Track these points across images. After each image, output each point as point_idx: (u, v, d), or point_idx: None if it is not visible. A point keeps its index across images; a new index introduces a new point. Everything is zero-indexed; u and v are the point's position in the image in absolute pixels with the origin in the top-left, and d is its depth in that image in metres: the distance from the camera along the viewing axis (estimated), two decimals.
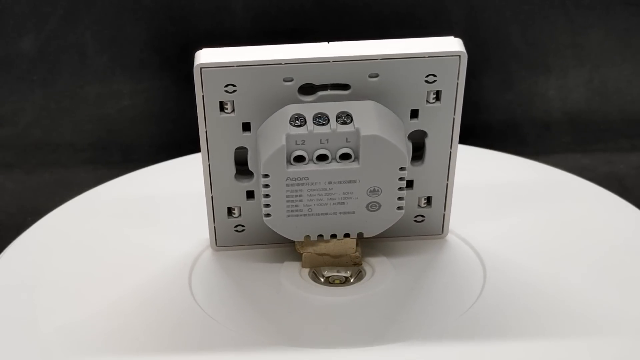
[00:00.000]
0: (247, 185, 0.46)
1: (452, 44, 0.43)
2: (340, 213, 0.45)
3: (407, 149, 0.45)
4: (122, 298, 0.45)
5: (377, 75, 0.43)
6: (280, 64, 0.43)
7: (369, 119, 0.43)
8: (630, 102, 0.74)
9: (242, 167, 0.46)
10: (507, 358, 0.42)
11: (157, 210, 0.52)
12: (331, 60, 0.43)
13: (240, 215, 0.47)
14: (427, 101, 0.44)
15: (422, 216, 0.48)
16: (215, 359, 0.42)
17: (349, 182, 0.44)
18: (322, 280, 0.47)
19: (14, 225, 0.59)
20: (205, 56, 0.43)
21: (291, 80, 0.43)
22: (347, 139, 0.43)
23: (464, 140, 0.47)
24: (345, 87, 0.44)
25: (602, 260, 0.47)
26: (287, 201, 0.44)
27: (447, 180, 0.47)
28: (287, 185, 0.43)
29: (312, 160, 0.43)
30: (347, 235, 0.46)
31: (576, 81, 0.74)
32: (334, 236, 0.46)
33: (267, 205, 0.44)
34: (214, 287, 0.46)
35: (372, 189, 0.44)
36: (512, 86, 0.74)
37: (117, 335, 0.43)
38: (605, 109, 0.74)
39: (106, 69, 0.73)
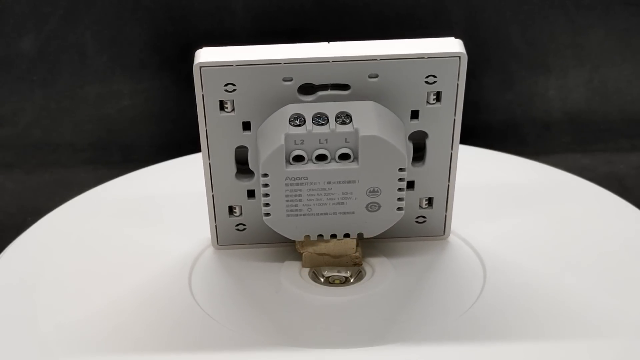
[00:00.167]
0: (248, 184, 0.46)
1: (452, 45, 0.43)
2: (339, 213, 0.45)
3: (407, 149, 0.45)
4: (122, 297, 0.45)
5: (376, 76, 0.43)
6: (280, 63, 0.43)
7: (368, 120, 0.43)
8: (630, 102, 0.74)
9: (242, 166, 0.46)
10: (505, 359, 0.42)
11: (158, 209, 0.52)
12: (331, 60, 0.43)
13: (241, 214, 0.47)
14: (428, 102, 0.44)
15: (424, 217, 0.48)
16: (213, 358, 0.42)
17: (348, 182, 0.44)
18: (322, 280, 0.47)
19: (14, 225, 0.59)
20: (205, 55, 0.43)
21: (291, 80, 0.43)
22: (346, 139, 0.43)
23: (464, 140, 0.47)
24: (345, 87, 0.44)
25: (602, 260, 0.47)
26: (287, 201, 0.44)
27: (449, 181, 0.47)
28: (286, 184, 0.43)
29: (311, 160, 0.43)
30: (347, 235, 0.46)
31: (576, 81, 0.74)
32: (333, 236, 0.46)
33: (267, 205, 0.44)
34: (213, 286, 0.46)
35: (371, 189, 0.44)
36: (512, 86, 0.74)
37: (116, 334, 0.43)
38: (605, 109, 0.74)
39: (106, 69, 0.73)
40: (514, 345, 0.42)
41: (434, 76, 0.43)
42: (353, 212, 0.45)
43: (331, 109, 0.43)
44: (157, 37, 0.72)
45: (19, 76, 0.73)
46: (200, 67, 0.43)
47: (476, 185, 0.53)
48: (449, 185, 0.47)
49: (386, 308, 0.45)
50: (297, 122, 0.43)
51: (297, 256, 0.47)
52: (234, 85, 0.43)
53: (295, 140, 0.43)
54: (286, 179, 0.43)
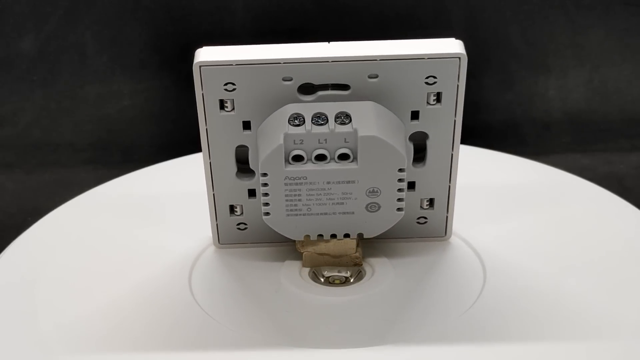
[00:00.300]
0: (249, 183, 0.46)
1: (452, 46, 0.43)
2: (339, 213, 0.45)
3: (406, 150, 0.44)
4: (122, 296, 0.45)
5: (376, 76, 0.43)
6: (279, 63, 0.43)
7: (368, 120, 0.43)
8: (630, 102, 0.74)
9: (243, 166, 0.46)
10: (504, 359, 0.42)
11: (158, 208, 0.52)
12: (330, 60, 0.43)
13: (242, 213, 0.47)
14: (428, 103, 0.44)
15: (425, 218, 0.48)
16: (212, 358, 0.42)
17: (348, 182, 0.44)
18: (322, 280, 0.47)
19: (14, 225, 0.59)
20: (205, 54, 0.43)
21: (290, 79, 0.43)
22: (345, 139, 0.43)
23: (464, 140, 0.47)
24: (345, 87, 0.44)
25: (603, 261, 0.47)
26: (286, 200, 0.44)
27: (450, 182, 0.47)
28: (286, 184, 0.43)
29: (310, 160, 0.43)
30: (347, 235, 0.46)
31: (576, 81, 0.74)
32: (333, 236, 0.46)
33: (267, 204, 0.44)
34: (213, 285, 0.46)
35: (371, 189, 0.44)
36: (512, 86, 0.74)
37: (115, 333, 0.43)
38: (605, 109, 0.74)
39: (106, 69, 0.73)
40: (513, 346, 0.42)
41: (434, 77, 0.43)
42: (353, 212, 0.45)
43: (331, 109, 0.43)
44: (157, 37, 0.72)
45: (19, 76, 0.73)
46: (200, 66, 0.43)
47: (476, 186, 0.53)
48: (450, 186, 0.47)
49: (386, 308, 0.45)
50: (297, 121, 0.43)
51: (298, 256, 0.47)
52: (233, 84, 0.43)
53: (294, 140, 0.43)
54: (285, 178, 0.43)
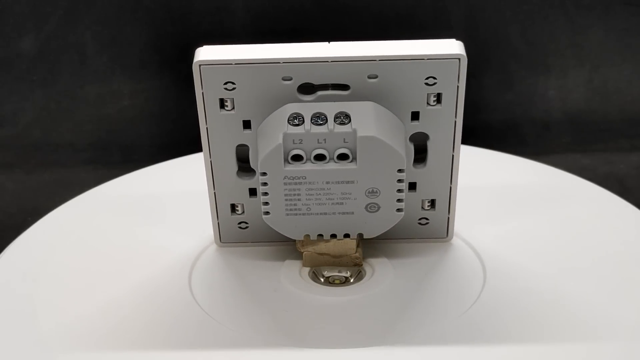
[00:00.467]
0: (250, 182, 0.46)
1: (452, 47, 0.43)
2: (339, 213, 0.45)
3: (406, 151, 0.44)
4: (122, 295, 0.45)
5: (376, 76, 0.43)
6: (279, 62, 0.43)
7: (367, 120, 0.43)
8: (630, 102, 0.74)
9: (244, 165, 0.46)
10: None
11: (159, 208, 0.52)
12: (329, 60, 0.43)
13: (243, 212, 0.47)
14: (428, 103, 0.44)
15: (426, 219, 0.48)
16: (211, 357, 0.42)
17: (347, 182, 0.44)
18: (322, 280, 0.47)
19: (14, 225, 0.59)
20: (205, 53, 0.43)
21: (290, 79, 0.43)
22: (344, 139, 0.43)
23: (463, 140, 0.47)
24: (345, 87, 0.44)
25: (603, 261, 0.47)
26: (286, 200, 0.44)
27: (451, 183, 0.47)
28: (285, 183, 0.43)
29: (309, 159, 0.43)
30: (347, 235, 0.46)
31: (576, 81, 0.74)
32: (333, 236, 0.46)
33: (266, 203, 0.44)
34: (213, 284, 0.46)
35: (370, 190, 0.44)
36: (512, 86, 0.74)
37: (115, 332, 0.43)
38: (605, 109, 0.74)
39: (106, 69, 0.73)
40: (512, 346, 0.42)
41: (434, 78, 0.43)
42: (352, 213, 0.45)
43: (331, 109, 0.43)
44: (157, 37, 0.72)
45: (19, 76, 0.73)
46: (200, 65, 0.43)
47: (476, 186, 0.53)
48: (451, 188, 0.47)
49: (385, 308, 0.45)
50: (296, 121, 0.43)
51: (299, 255, 0.47)
52: (233, 83, 0.43)
53: (293, 140, 0.43)
54: (284, 178, 0.43)
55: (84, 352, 0.42)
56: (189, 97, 0.45)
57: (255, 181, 0.46)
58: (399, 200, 0.44)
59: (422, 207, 0.48)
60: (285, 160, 0.43)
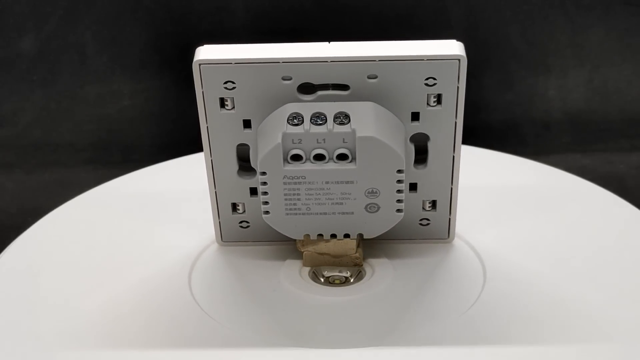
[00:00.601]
0: (250, 181, 0.46)
1: (452, 47, 0.43)
2: (339, 213, 0.45)
3: (406, 151, 0.44)
4: (122, 294, 0.45)
5: (375, 77, 0.43)
6: (279, 62, 0.43)
7: (367, 120, 0.43)
8: (630, 102, 0.74)
9: (245, 164, 0.46)
10: None
11: (159, 207, 0.52)
12: (329, 60, 0.43)
13: (244, 211, 0.47)
14: (428, 104, 0.44)
15: (428, 220, 0.48)
16: (210, 357, 0.42)
17: (347, 182, 0.44)
18: (322, 280, 0.47)
19: (14, 225, 0.59)
20: (205, 53, 0.43)
21: (290, 79, 0.43)
22: (344, 139, 0.43)
23: (463, 140, 0.47)
24: (345, 87, 0.44)
25: (603, 262, 0.47)
26: (285, 199, 0.44)
27: (452, 184, 0.47)
28: (285, 183, 0.43)
29: (309, 159, 0.43)
30: (347, 235, 0.46)
31: (576, 81, 0.74)
32: (333, 236, 0.46)
33: (266, 203, 0.44)
34: (213, 284, 0.46)
35: (370, 190, 0.44)
36: (512, 86, 0.74)
37: (114, 331, 0.43)
38: (605, 109, 0.74)
39: (106, 69, 0.73)
40: (512, 347, 0.42)
41: (434, 78, 0.43)
42: (352, 213, 0.45)
43: (330, 109, 0.43)
44: (157, 37, 0.72)
45: (19, 76, 0.73)
46: (200, 65, 0.43)
47: (476, 186, 0.53)
48: (452, 188, 0.47)
49: (385, 309, 0.45)
50: (296, 121, 0.43)
51: (299, 255, 0.47)
52: (233, 83, 0.43)
53: (292, 140, 0.43)
54: (284, 177, 0.43)
55: (84, 351, 0.42)
56: (189, 97, 0.45)
57: (256, 180, 0.46)
58: (398, 201, 0.44)
59: (423, 208, 0.48)
60: (285, 159, 0.43)
